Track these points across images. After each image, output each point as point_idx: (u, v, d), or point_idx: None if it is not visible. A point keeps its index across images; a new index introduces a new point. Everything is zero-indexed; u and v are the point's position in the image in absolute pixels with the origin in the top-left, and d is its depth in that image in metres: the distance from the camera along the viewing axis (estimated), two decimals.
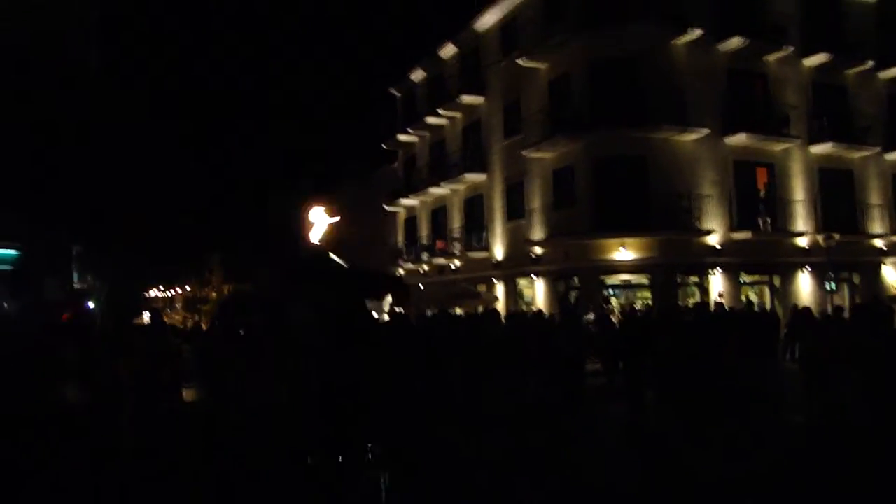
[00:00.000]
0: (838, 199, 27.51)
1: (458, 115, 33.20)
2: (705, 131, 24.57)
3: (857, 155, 27.86)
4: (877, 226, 28.16)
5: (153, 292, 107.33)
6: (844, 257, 26.30)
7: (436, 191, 34.57)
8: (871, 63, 27.66)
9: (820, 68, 27.16)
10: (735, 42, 25.07)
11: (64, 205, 13.21)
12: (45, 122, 13.64)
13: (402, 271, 38.44)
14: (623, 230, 24.12)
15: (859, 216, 27.91)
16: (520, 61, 27.15)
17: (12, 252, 13.20)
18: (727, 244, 24.93)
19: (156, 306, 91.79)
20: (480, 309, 24.64)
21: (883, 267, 28.19)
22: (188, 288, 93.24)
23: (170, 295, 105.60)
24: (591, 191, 24.59)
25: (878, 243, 28.09)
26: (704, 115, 24.71)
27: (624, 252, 24.16)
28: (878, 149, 27.97)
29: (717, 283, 24.66)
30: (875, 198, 28.32)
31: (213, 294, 74.14)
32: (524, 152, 27.15)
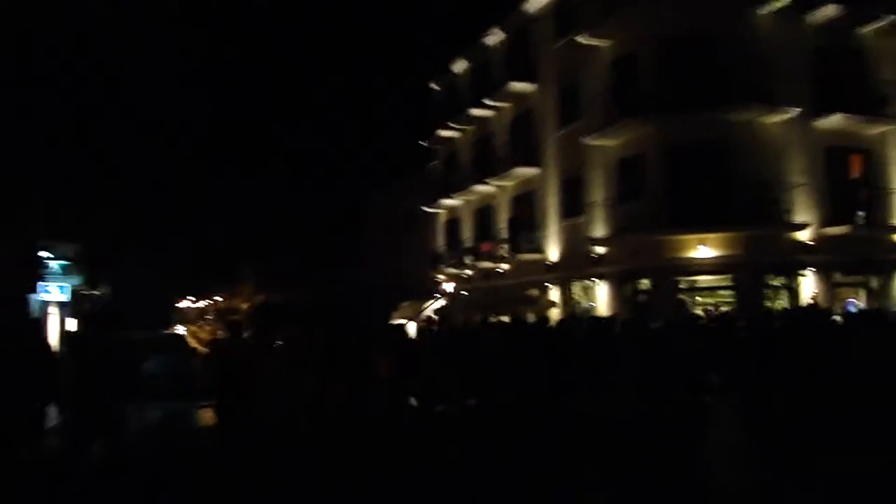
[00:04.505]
0: None
1: (505, 105, 30.51)
2: (796, 112, 21.66)
3: None
4: None
5: (184, 303, 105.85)
6: None
7: (481, 189, 31.92)
8: None
9: None
10: (827, 11, 22.14)
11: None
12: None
13: (442, 277, 35.90)
14: (701, 225, 21.25)
15: None
16: (580, 38, 24.38)
17: None
18: (820, 240, 21.99)
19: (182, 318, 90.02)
20: (532, 316, 22.02)
21: None
22: (219, 298, 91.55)
23: (202, 306, 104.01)
24: (664, 181, 21.74)
25: None
26: (792, 95, 21.78)
27: (703, 250, 21.30)
28: None
29: (809, 285, 21.71)
30: None
31: (244, 305, 72.21)
32: (584, 140, 24.36)
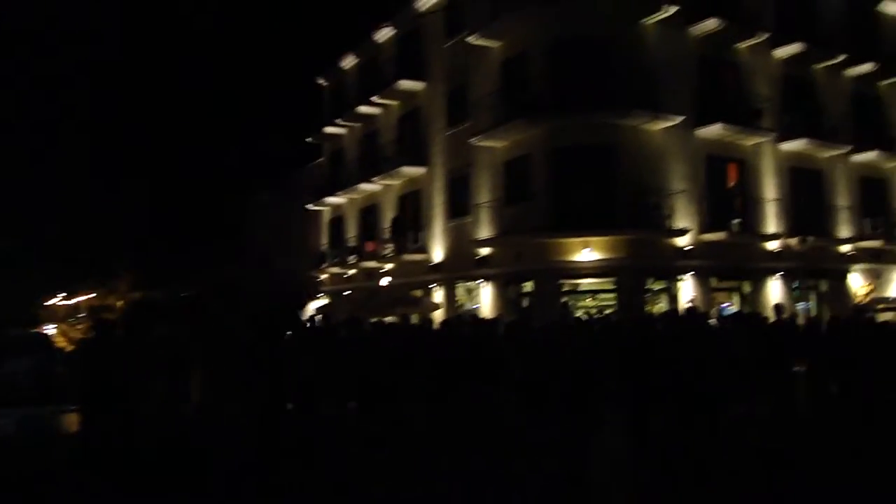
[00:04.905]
0: (807, 200, 25.51)
1: (393, 103, 30.18)
2: (679, 119, 22.15)
3: (827, 154, 25.96)
4: (844, 230, 26.29)
5: (55, 300, 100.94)
6: (812, 263, 24.90)
7: (366, 187, 31.46)
8: (842, 57, 25.89)
9: (790, 60, 25.21)
10: (709, 25, 22.78)
11: None
12: None
13: (325, 277, 35.28)
14: (585, 228, 21.39)
15: (827, 220, 25.98)
16: (470, 39, 24.26)
17: None
18: (698, 246, 22.54)
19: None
20: (415, 318, 21.78)
21: (849, 274, 26.36)
22: (94, 295, 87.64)
23: (73, 303, 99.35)
24: (549, 183, 21.81)
25: (845, 249, 26.24)
26: (675, 104, 22.27)
27: (586, 253, 21.48)
28: (847, 148, 26.09)
29: (688, 289, 22.22)
30: (843, 201, 26.45)
31: (119, 302, 69.32)
32: (472, 141, 24.22)
